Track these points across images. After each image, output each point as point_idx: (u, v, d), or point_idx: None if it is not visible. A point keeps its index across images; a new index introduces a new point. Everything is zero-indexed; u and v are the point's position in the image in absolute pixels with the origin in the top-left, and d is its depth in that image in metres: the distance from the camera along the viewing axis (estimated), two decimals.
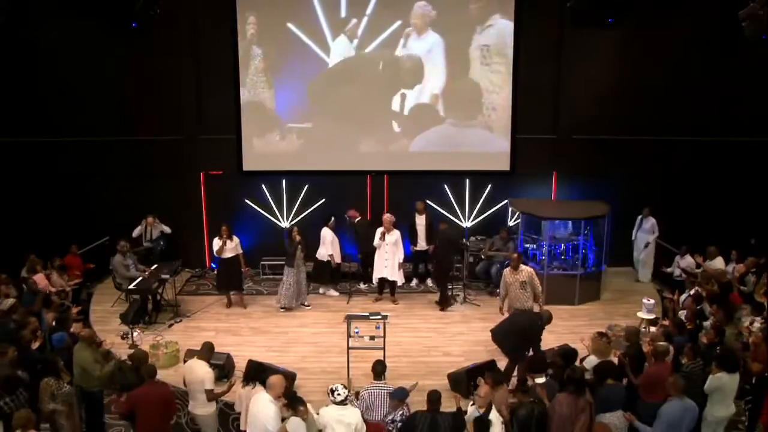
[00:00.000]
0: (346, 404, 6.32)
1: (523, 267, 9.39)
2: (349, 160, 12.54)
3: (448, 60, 12.13)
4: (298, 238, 10.80)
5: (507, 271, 9.49)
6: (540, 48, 12.18)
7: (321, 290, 11.78)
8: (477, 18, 12.01)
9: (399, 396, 6.71)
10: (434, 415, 6.45)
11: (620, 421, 6.69)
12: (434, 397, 6.58)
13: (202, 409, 7.11)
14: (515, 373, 8.50)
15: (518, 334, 8.63)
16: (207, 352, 7.31)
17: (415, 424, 6.44)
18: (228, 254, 10.84)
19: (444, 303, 11.23)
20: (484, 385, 6.22)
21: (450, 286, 11.64)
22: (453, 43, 12.08)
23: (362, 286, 11.96)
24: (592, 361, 7.45)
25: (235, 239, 10.92)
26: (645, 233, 12.07)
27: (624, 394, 7.00)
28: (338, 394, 6.28)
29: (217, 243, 10.81)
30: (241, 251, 11.00)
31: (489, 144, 12.44)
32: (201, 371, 7.05)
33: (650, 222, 11.99)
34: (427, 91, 12.26)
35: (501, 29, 12.01)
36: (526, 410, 6.55)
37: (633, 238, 12.29)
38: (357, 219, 11.91)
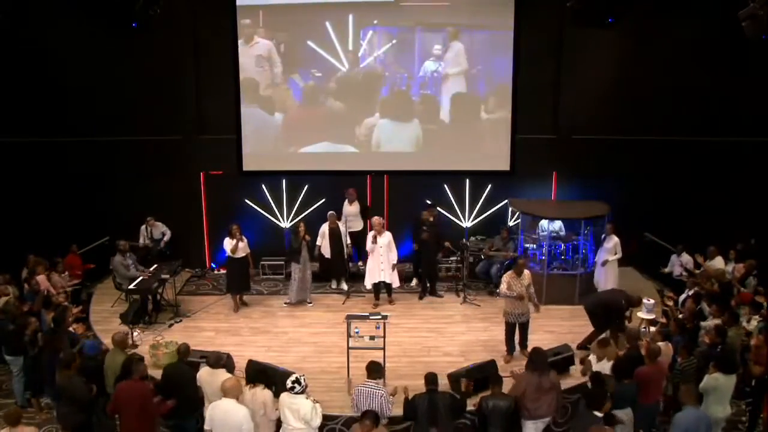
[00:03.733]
0: (299, 395, 6.64)
1: (525, 272, 9.28)
2: (350, 160, 12.53)
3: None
4: (302, 234, 10.85)
5: (509, 277, 9.08)
6: (540, 48, 12.18)
7: (333, 285, 11.89)
8: None
9: None
10: (432, 396, 6.68)
11: (628, 417, 6.91)
12: (431, 378, 6.86)
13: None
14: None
15: (602, 309, 9.20)
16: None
17: (415, 405, 6.71)
18: (240, 254, 10.86)
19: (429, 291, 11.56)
20: None
21: (455, 286, 11.70)
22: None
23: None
24: (605, 366, 7.50)
25: (245, 239, 10.94)
26: (606, 252, 10.90)
27: (635, 393, 7.09)
28: (291, 386, 6.69)
29: (230, 243, 10.78)
30: (248, 251, 11.02)
31: (489, 144, 12.44)
32: (262, 396, 6.84)
33: (613, 241, 10.85)
34: (427, 91, 12.27)
35: None
36: (492, 402, 6.84)
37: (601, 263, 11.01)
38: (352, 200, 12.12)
